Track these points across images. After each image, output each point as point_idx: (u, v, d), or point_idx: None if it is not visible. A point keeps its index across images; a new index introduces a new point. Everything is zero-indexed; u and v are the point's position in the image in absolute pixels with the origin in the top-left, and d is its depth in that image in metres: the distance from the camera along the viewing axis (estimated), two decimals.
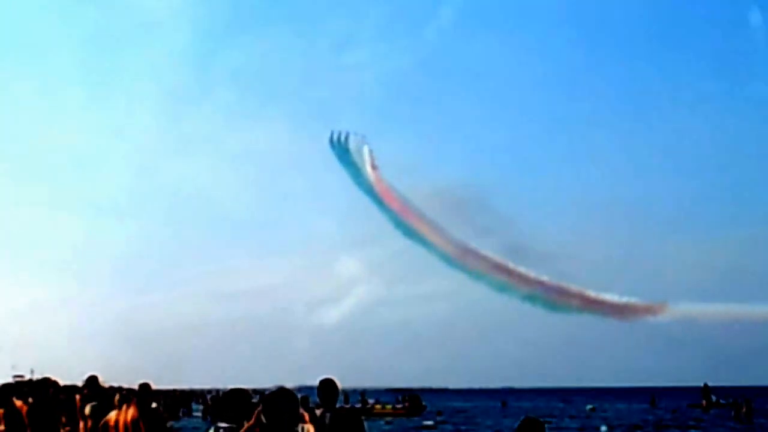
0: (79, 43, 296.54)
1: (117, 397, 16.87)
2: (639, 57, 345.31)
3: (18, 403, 16.79)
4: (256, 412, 6.61)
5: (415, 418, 78.47)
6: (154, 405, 16.32)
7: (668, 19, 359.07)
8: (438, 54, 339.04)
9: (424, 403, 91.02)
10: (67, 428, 18.43)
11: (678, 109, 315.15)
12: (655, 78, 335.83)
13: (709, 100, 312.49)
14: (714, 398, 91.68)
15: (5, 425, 17.41)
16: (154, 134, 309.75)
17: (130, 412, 14.60)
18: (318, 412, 10.71)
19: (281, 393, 6.58)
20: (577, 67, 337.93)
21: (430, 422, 69.74)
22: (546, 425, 8.96)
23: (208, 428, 8.06)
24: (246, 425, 6.63)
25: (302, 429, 7.35)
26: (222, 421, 7.69)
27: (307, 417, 9.72)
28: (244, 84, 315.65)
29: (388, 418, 72.95)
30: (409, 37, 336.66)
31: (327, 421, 9.23)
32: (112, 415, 15.10)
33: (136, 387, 16.80)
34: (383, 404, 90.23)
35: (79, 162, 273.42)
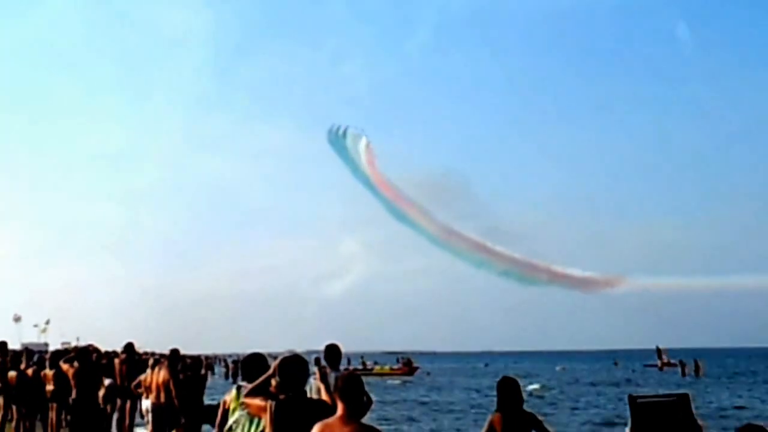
0: (117, 58, 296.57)
1: (151, 360, 17.01)
2: (591, 67, 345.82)
3: (65, 366, 16.91)
4: (273, 366, 6.77)
5: (409, 377, 78.70)
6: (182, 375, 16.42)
7: (611, 36, 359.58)
8: (418, 65, 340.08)
9: (416, 365, 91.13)
10: (107, 386, 18.58)
11: (625, 110, 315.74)
12: (605, 84, 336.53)
13: (648, 103, 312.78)
14: (665, 358, 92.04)
15: (54, 385, 17.54)
16: (182, 135, 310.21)
17: (162, 374, 14.71)
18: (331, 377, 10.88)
19: (294, 358, 6.75)
20: (539, 76, 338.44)
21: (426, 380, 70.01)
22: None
23: (231, 387, 8.14)
24: (266, 375, 6.76)
25: (311, 385, 7.47)
26: (243, 381, 7.80)
27: (318, 374, 9.85)
28: (257, 92, 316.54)
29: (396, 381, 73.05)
30: (394, 51, 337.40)
31: (332, 380, 9.37)
32: (147, 375, 15.22)
33: (166, 352, 16.91)
34: (382, 366, 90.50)
35: (118, 159, 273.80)
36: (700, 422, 4.99)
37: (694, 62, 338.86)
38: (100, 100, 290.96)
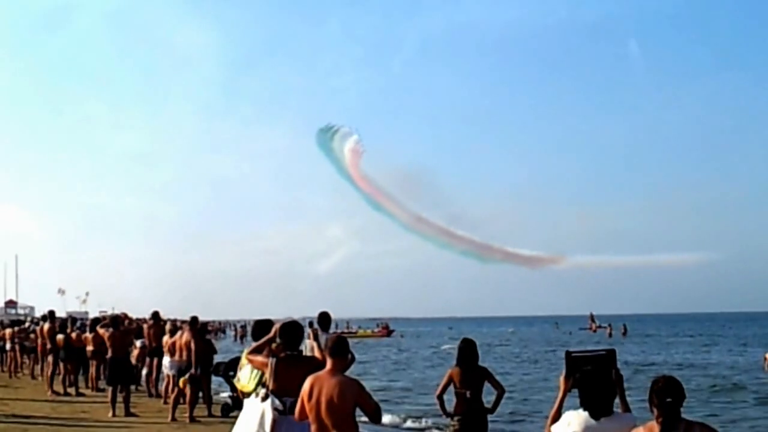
0: (136, 71, 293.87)
1: (169, 326, 17.07)
2: (551, 78, 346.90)
3: (101, 331, 16.96)
4: (273, 330, 6.88)
5: (387, 339, 78.90)
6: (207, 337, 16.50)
7: (571, 52, 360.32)
8: (402, 78, 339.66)
9: (392, 328, 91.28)
10: (139, 347, 18.61)
11: (576, 115, 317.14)
12: (561, 93, 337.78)
13: (597, 109, 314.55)
14: (596, 323, 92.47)
15: (93, 346, 17.56)
16: (194, 138, 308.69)
17: (185, 336, 14.76)
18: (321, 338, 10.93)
19: (291, 323, 6.90)
20: (504, 87, 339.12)
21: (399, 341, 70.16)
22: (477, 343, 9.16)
23: (243, 347, 8.21)
24: (266, 337, 6.89)
25: (306, 344, 7.55)
26: (255, 341, 7.87)
27: (312, 335, 9.91)
28: (259, 101, 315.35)
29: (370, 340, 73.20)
30: (381, 66, 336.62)
31: (323, 340, 9.42)
32: (167, 338, 15.25)
33: (186, 319, 16.96)
34: (364, 329, 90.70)
35: (139, 158, 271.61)
36: (621, 372, 5.05)
37: (641, 74, 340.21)
38: (123, 108, 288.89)
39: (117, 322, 16.02)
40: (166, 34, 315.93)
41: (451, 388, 8.71)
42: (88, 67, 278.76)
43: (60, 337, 18.55)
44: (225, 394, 16.12)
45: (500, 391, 8.69)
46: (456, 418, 8.59)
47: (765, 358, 34.01)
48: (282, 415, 6.29)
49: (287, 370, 6.46)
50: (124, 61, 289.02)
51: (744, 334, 76.25)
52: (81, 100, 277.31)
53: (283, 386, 6.42)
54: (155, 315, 18.62)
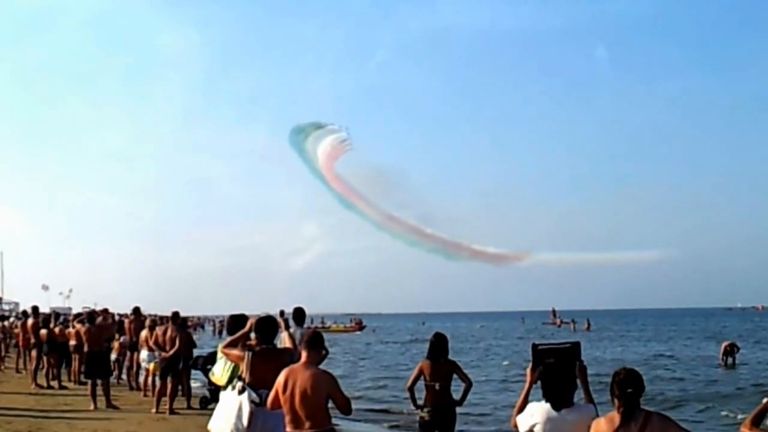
0: (118, 73, 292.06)
1: (148, 321, 16.95)
2: (521, 81, 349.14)
3: (78, 326, 16.88)
4: (249, 324, 6.88)
5: (359, 333, 78.86)
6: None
7: (541, 56, 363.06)
8: (377, 81, 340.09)
9: (364, 324, 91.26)
10: (118, 341, 18.50)
11: (546, 116, 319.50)
12: (531, 95, 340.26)
13: (565, 111, 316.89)
14: (558, 318, 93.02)
15: (76, 340, 17.42)
16: (174, 139, 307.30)
17: (169, 331, 14.64)
18: (292, 329, 10.88)
19: (266, 318, 6.89)
20: (475, 90, 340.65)
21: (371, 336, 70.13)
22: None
23: (220, 341, 8.16)
24: (241, 332, 6.87)
25: (280, 338, 7.52)
26: (230, 335, 7.83)
27: (282, 324, 9.83)
28: (238, 103, 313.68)
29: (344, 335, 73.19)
30: (356, 69, 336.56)
31: (298, 335, 9.39)
32: (158, 331, 15.14)
33: (165, 314, 16.88)
34: (338, 324, 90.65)
35: (119, 157, 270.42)
36: (585, 364, 5.08)
37: (609, 76, 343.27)
38: (105, 108, 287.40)
39: (93, 317, 15.95)
40: (148, 37, 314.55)
41: (422, 380, 8.72)
42: (71, 69, 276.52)
43: (43, 332, 18.40)
44: (196, 384, 16.06)
45: (468, 384, 8.77)
46: (426, 410, 8.64)
47: (720, 349, 34.34)
48: (258, 407, 6.26)
49: (263, 363, 6.44)
50: (106, 62, 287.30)
51: (704, 328, 76.96)
52: (64, 100, 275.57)
53: (259, 379, 6.39)
54: (136, 310, 18.55)
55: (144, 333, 16.23)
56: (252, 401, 6.31)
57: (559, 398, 4.74)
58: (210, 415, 7.12)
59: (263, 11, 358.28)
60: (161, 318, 19.86)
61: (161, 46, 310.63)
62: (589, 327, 77.28)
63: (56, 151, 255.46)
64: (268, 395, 6.05)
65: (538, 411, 4.78)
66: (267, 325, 6.74)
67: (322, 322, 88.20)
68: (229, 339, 7.02)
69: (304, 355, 5.84)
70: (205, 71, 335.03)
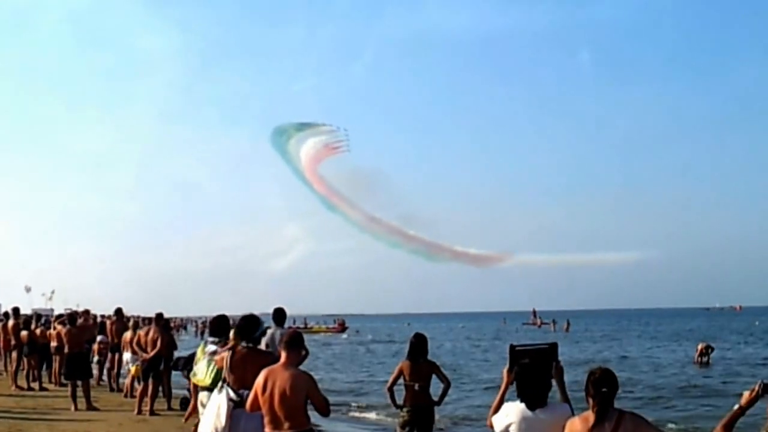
0: (97, 74, 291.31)
1: (131, 322, 16.85)
2: (501, 84, 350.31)
3: (59, 327, 16.75)
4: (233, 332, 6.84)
5: (342, 335, 78.69)
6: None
7: (523, 59, 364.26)
8: (361, 84, 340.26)
9: (347, 325, 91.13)
10: (101, 345, 18.37)
11: (528, 119, 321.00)
12: (513, 97, 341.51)
13: (544, 115, 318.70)
14: (539, 318, 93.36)
15: (57, 342, 17.27)
16: (155, 140, 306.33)
17: (151, 332, 14.55)
18: (272, 329, 10.86)
19: (248, 315, 6.83)
20: (458, 92, 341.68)
21: (352, 337, 70.03)
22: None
23: (201, 342, 8.14)
24: (231, 341, 6.82)
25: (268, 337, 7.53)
26: (211, 337, 7.80)
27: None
28: (218, 105, 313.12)
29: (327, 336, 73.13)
30: (341, 71, 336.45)
31: (278, 336, 9.38)
32: (140, 332, 15.04)
33: (149, 315, 16.78)
34: (320, 325, 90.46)
35: (100, 159, 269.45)
36: (561, 365, 5.11)
37: (590, 80, 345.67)
38: (84, 110, 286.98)
39: (73, 318, 15.86)
40: (127, 37, 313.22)
41: (402, 380, 8.75)
42: (48, 69, 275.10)
43: (24, 333, 18.25)
44: (178, 385, 15.99)
45: (447, 384, 8.84)
46: (405, 410, 8.69)
47: (697, 350, 34.65)
48: (238, 406, 6.24)
49: (243, 362, 6.41)
50: (84, 63, 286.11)
51: (682, 328, 77.42)
52: (42, 100, 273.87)
53: (238, 379, 6.37)
54: (118, 311, 18.46)
55: (128, 334, 16.13)
56: (230, 399, 6.30)
57: (533, 398, 4.76)
58: None
59: (247, 12, 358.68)
60: (144, 319, 19.74)
61: (141, 47, 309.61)
62: (569, 327, 77.60)
63: (35, 151, 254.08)
64: (248, 395, 6.04)
65: (512, 411, 4.81)
66: (246, 323, 6.69)
67: (305, 323, 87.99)
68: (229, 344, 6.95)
69: (283, 355, 5.82)
70: (187, 72, 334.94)
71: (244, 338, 6.59)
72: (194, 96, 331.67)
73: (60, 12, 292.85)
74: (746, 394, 4.39)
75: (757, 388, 4.34)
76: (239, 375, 6.38)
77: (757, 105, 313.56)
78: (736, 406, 4.40)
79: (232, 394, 6.30)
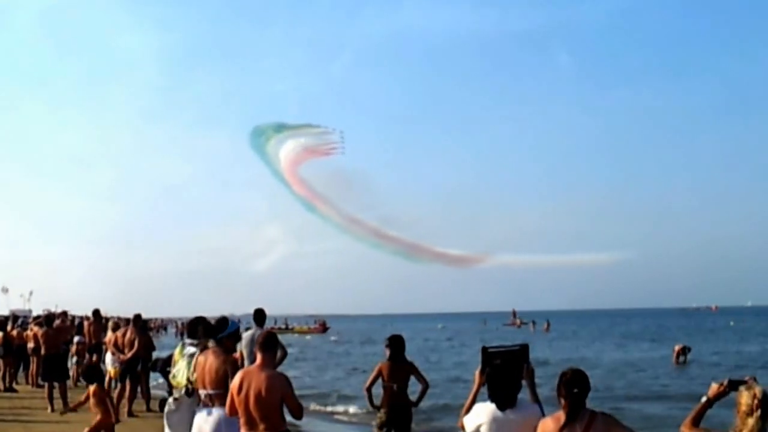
0: (77, 75, 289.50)
1: (111, 323, 16.75)
2: (479, 86, 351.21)
3: (35, 328, 16.67)
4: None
5: (323, 335, 78.53)
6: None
7: (501, 61, 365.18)
8: (341, 83, 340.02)
9: (328, 326, 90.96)
10: (78, 346, 18.23)
11: (505, 120, 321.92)
12: (491, 98, 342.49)
13: (522, 117, 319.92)
14: (518, 319, 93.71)
15: (34, 343, 17.13)
16: (135, 141, 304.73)
17: (129, 333, 14.47)
18: (253, 330, 10.85)
19: (220, 318, 6.83)
20: (438, 93, 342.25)
21: (334, 338, 69.98)
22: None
23: (179, 343, 8.10)
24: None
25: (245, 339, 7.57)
26: (189, 338, 7.78)
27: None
28: (198, 105, 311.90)
29: (308, 336, 72.99)
30: (320, 72, 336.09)
31: (257, 336, 9.36)
32: (118, 334, 14.95)
33: (128, 316, 16.68)
34: (302, 326, 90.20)
35: (78, 160, 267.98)
36: (532, 366, 5.15)
37: (567, 81, 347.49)
38: (63, 110, 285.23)
39: (50, 320, 15.77)
40: (106, 37, 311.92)
41: (380, 381, 8.75)
42: (26, 69, 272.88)
43: None
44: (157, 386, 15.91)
45: (424, 385, 8.85)
46: (383, 410, 8.69)
47: (674, 351, 34.92)
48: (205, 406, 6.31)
49: (204, 362, 6.44)
50: (63, 62, 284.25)
51: (661, 328, 77.89)
52: (19, 100, 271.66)
53: (199, 377, 6.46)
54: (96, 312, 18.38)
55: (109, 335, 16.03)
56: (185, 394, 6.36)
57: (503, 398, 4.79)
58: None
59: (226, 12, 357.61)
60: (125, 320, 19.64)
61: (120, 46, 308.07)
62: (549, 328, 77.95)
63: (12, 151, 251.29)
64: (207, 395, 6.11)
65: (483, 411, 4.84)
66: (212, 324, 6.76)
67: (286, 324, 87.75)
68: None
69: (258, 357, 5.81)
70: (167, 72, 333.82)
71: (210, 338, 6.63)
72: (174, 96, 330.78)
73: (34, 11, 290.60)
74: (714, 386, 4.47)
75: (725, 382, 4.42)
76: (200, 374, 6.43)
77: (732, 106, 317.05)
78: (704, 399, 4.48)
79: (190, 393, 6.38)
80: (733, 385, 4.39)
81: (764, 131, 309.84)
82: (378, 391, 8.79)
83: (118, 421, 9.96)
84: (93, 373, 9.80)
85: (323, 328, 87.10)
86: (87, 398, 9.47)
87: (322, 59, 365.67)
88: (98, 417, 9.44)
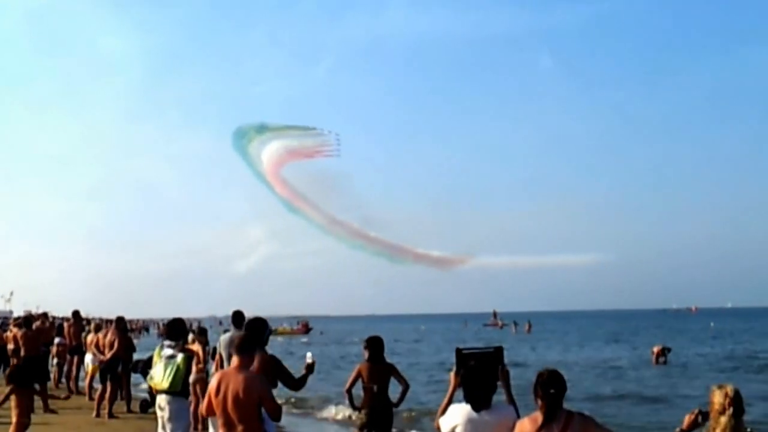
0: (60, 75, 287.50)
1: (92, 325, 16.67)
2: (463, 87, 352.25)
3: (14, 330, 16.55)
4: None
5: (305, 337, 78.38)
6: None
7: (485, 63, 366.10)
8: (323, 86, 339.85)
9: (311, 326, 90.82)
10: (59, 347, 18.11)
11: (488, 122, 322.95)
12: (473, 100, 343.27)
13: (505, 119, 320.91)
14: (499, 320, 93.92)
15: (14, 344, 17.01)
16: (117, 141, 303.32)
17: (109, 334, 14.40)
18: (232, 332, 10.80)
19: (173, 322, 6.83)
20: (419, 95, 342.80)
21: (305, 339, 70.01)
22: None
23: (158, 344, 8.09)
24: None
25: (221, 341, 7.54)
26: (167, 339, 7.76)
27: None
28: (181, 106, 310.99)
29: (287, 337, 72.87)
30: (302, 75, 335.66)
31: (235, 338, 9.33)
32: (99, 335, 14.88)
33: (111, 317, 16.61)
34: (284, 327, 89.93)
35: (60, 160, 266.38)
36: (507, 368, 5.17)
37: (549, 84, 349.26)
38: (45, 111, 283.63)
39: (29, 321, 15.68)
40: (90, 38, 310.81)
41: (360, 382, 8.74)
42: (7, 71, 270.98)
43: None
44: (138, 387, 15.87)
45: (405, 386, 8.84)
46: (363, 411, 8.69)
47: (652, 352, 35.13)
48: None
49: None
50: (46, 64, 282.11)
51: (641, 329, 78.27)
52: (1, 101, 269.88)
53: None
54: (76, 314, 18.26)
55: (90, 336, 15.97)
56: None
57: (478, 400, 4.81)
58: (150, 419, 7.12)
59: (209, 14, 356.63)
60: (106, 321, 19.55)
61: (102, 49, 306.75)
62: (530, 329, 78.13)
63: None
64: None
65: (458, 412, 4.86)
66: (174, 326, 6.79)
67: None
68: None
69: (235, 359, 5.80)
70: (149, 74, 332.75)
71: (171, 339, 6.66)
72: (156, 97, 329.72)
73: (17, 13, 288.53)
74: (687, 418, 4.55)
75: (696, 413, 4.51)
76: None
77: (709, 111, 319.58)
78: (677, 430, 4.54)
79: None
80: (705, 416, 4.51)
81: (744, 133, 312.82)
82: (358, 392, 8.80)
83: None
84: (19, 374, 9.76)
85: (306, 329, 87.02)
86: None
87: (305, 62, 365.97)
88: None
